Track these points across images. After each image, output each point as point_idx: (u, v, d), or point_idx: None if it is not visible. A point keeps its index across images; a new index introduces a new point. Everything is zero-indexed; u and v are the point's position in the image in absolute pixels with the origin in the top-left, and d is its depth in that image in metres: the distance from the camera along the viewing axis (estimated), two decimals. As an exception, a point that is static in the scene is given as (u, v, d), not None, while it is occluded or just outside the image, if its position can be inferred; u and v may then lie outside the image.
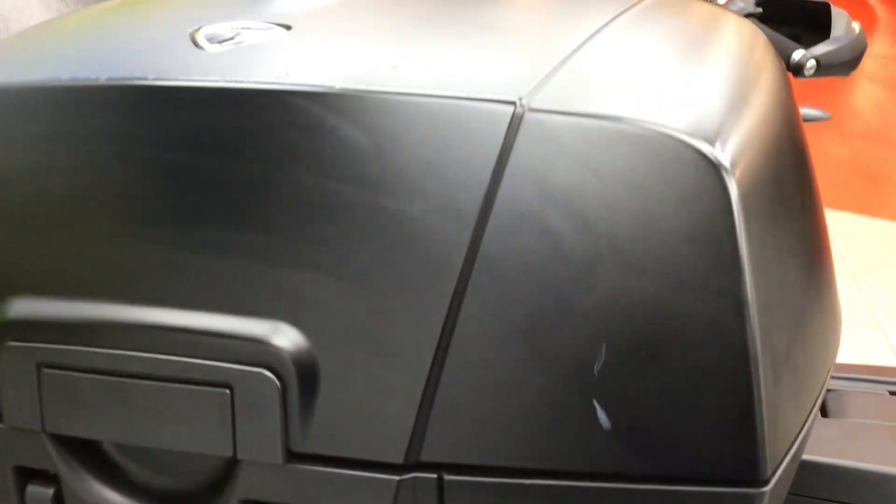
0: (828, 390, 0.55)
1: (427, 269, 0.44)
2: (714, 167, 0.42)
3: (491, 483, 0.45)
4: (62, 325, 0.49)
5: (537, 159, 0.43)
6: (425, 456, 0.46)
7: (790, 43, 1.01)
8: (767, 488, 0.43)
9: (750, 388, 0.42)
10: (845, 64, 1.01)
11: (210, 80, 0.46)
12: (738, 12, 1.06)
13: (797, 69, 0.99)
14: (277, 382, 0.46)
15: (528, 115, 0.43)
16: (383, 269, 0.44)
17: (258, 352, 0.46)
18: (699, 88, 0.48)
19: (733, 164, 0.42)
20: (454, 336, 0.44)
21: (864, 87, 3.43)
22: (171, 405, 0.48)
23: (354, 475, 0.46)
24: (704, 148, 0.42)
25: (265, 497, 0.48)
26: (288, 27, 0.53)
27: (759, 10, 1.08)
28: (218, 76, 0.46)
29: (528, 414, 0.44)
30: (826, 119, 1.39)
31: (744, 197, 0.42)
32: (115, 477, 0.52)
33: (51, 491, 0.52)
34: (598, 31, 0.52)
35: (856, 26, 1.03)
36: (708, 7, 0.66)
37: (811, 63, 0.97)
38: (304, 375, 0.46)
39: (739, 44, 0.57)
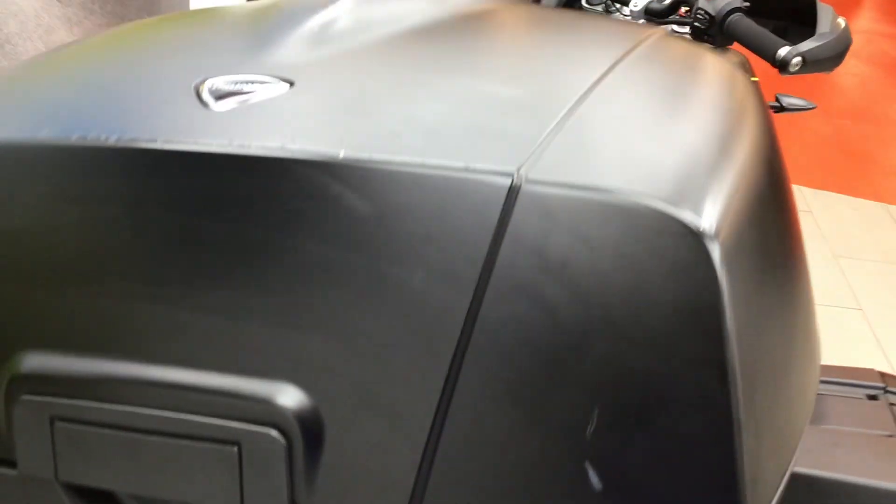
0: None
1: (427, 334, 0.45)
2: (697, 237, 0.43)
3: None
4: (74, 381, 0.50)
5: (533, 230, 0.44)
6: None
7: (775, 38, 1.01)
8: None
9: (732, 453, 0.44)
10: (830, 60, 1.01)
11: (218, 146, 0.46)
12: (725, 6, 1.06)
13: (783, 65, 1.00)
14: (283, 441, 0.47)
15: (525, 187, 0.44)
16: (385, 333, 0.46)
17: (265, 411, 0.48)
18: (682, 152, 0.49)
19: (717, 232, 0.43)
20: (454, 398, 0.46)
21: (848, 64, 3.43)
22: (181, 460, 0.49)
23: None
24: (687, 218, 0.43)
25: None
26: (290, 82, 0.53)
27: (747, 3, 1.08)
28: (225, 140, 0.47)
29: (523, 473, 0.46)
30: (811, 109, 1.39)
31: (728, 264, 0.43)
32: None
33: None
34: (591, 89, 0.53)
35: (841, 21, 1.03)
36: (691, 52, 0.66)
37: (797, 60, 0.97)
38: (310, 434, 0.48)
39: (721, 95, 0.58)
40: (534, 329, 0.44)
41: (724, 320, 0.43)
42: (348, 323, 0.46)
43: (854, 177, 3.00)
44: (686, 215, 0.43)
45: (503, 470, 0.46)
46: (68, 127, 0.49)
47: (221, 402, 0.48)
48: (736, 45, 1.11)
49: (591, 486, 0.45)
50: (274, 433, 0.47)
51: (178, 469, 0.49)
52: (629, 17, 1.21)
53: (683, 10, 1.21)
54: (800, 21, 1.08)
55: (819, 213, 2.73)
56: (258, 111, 0.50)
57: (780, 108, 1.31)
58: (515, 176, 0.44)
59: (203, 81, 0.53)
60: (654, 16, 1.18)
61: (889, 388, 0.73)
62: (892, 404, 0.71)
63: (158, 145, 0.47)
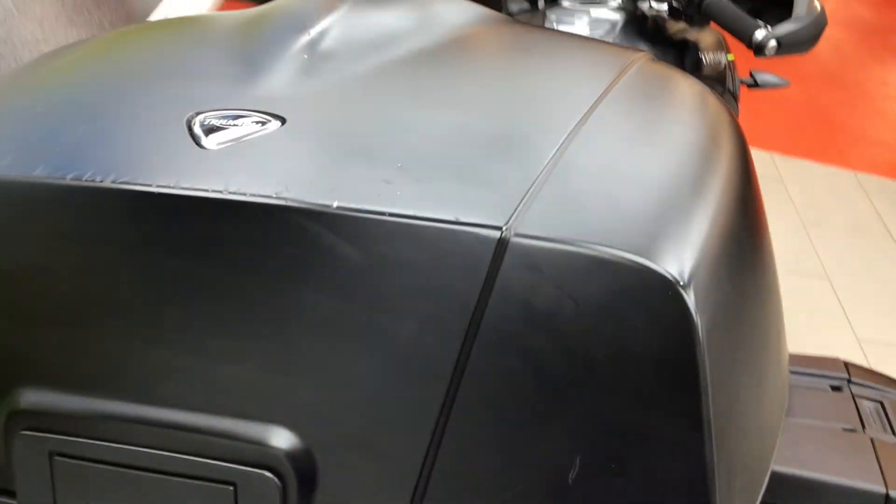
0: None
1: (417, 381, 0.47)
2: (672, 286, 0.44)
3: None
4: (72, 418, 0.51)
5: (521, 283, 0.45)
6: None
7: (752, 20, 1.00)
8: None
9: (706, 497, 0.46)
10: (805, 43, 1.01)
11: (213, 191, 0.46)
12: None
13: (759, 48, 0.99)
14: (278, 482, 0.49)
15: (513, 241, 0.45)
16: (376, 380, 0.47)
17: (259, 453, 0.49)
18: (659, 200, 0.50)
19: (690, 280, 0.44)
20: (443, 442, 0.47)
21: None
22: (178, 498, 0.51)
23: None
24: (662, 269, 0.44)
25: None
26: (282, 119, 0.53)
27: (724, -17, 1.07)
28: (220, 185, 0.47)
29: None
30: (786, 86, 1.39)
31: (703, 311, 0.45)
32: None
33: None
34: (574, 130, 0.54)
35: (817, 4, 1.02)
36: (670, 83, 0.66)
37: (772, 44, 0.97)
38: (303, 475, 0.49)
39: (698, 132, 0.59)
40: (520, 379, 0.46)
41: (700, 372, 0.44)
42: (340, 369, 0.47)
43: (825, 144, 3.03)
44: (661, 266, 0.44)
45: None
46: (63, 165, 0.49)
47: (217, 444, 0.49)
48: (713, 24, 1.10)
49: None
50: (268, 475, 0.49)
51: None
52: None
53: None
54: (776, 1, 1.08)
55: (789, 181, 2.75)
56: (251, 153, 0.50)
57: (755, 85, 1.31)
58: (504, 230, 0.45)
59: (194, 116, 0.53)
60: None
61: (853, 380, 0.74)
62: (854, 395, 0.72)
63: (153, 189, 0.47)
